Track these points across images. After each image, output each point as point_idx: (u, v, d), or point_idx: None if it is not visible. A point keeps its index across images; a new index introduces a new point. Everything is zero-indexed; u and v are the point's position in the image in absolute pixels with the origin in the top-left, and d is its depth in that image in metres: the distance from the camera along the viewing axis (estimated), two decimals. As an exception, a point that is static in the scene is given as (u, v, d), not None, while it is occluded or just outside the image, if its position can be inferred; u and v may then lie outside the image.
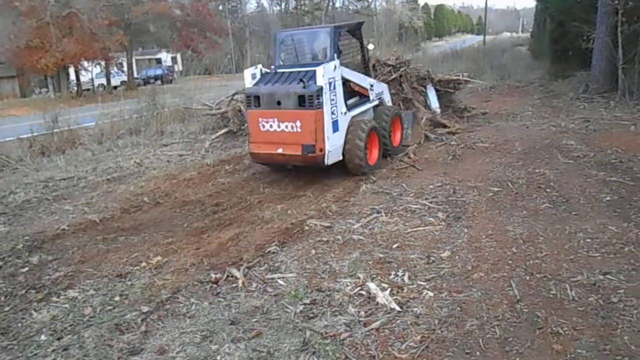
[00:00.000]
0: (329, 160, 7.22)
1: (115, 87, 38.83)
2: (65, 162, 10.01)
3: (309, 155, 7.07)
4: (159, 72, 47.00)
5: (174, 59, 56.49)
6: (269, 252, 5.06)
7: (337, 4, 66.72)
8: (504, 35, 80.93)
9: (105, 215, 6.68)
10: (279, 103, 7.18)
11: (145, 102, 14.18)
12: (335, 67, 7.27)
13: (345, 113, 7.54)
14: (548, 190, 6.29)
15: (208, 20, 38.86)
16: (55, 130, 11.59)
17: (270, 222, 5.96)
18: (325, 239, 5.26)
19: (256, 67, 7.88)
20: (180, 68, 58.31)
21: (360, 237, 5.24)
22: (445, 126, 10.23)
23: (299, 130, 7.07)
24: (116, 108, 14.40)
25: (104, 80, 38.59)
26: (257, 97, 7.44)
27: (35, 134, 11.40)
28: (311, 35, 8.33)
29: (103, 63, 34.67)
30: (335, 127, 7.26)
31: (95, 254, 5.42)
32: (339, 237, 5.29)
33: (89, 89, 39.30)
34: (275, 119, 7.23)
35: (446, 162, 7.94)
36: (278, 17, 63.77)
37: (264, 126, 7.36)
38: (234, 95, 12.27)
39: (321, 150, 7.05)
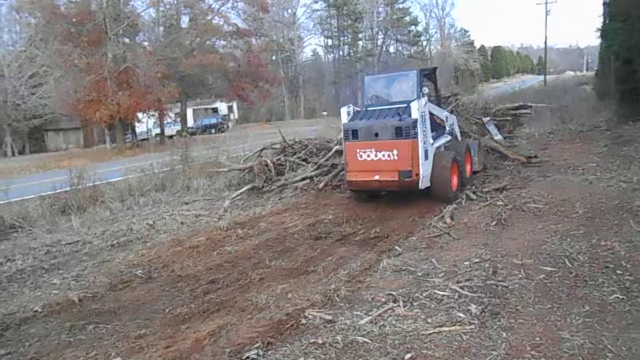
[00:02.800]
0: (422, 184, 8.09)
1: (171, 137, 39.87)
2: (80, 222, 9.51)
3: (405, 180, 7.95)
4: (213, 121, 48.13)
5: (230, 108, 57.93)
6: (248, 358, 4.00)
7: (392, 49, 66.87)
8: (568, 74, 77.74)
9: (88, 293, 5.87)
10: (376, 135, 8.14)
11: (178, 155, 13.79)
12: (425, 103, 8.37)
13: (432, 144, 8.56)
14: (618, 272, 4.89)
15: (260, 70, 39.40)
16: (80, 187, 11.27)
17: (264, 310, 4.91)
18: (321, 341, 4.13)
19: (349, 106, 8.95)
20: (236, 116, 59.86)
21: (366, 340, 4.08)
22: (507, 157, 10.66)
23: (395, 158, 7.99)
24: (148, 161, 14.12)
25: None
26: (355, 131, 8.37)
27: (58, 190, 11.11)
28: (396, 78, 9.45)
29: (157, 114, 35.51)
30: (426, 155, 8.21)
31: (54, 348, 4.57)
32: (339, 337, 4.16)
33: (146, 139, 40.59)
34: (373, 149, 8.17)
35: (489, 229, 6.64)
36: (332, 64, 64.44)
37: (361, 156, 8.27)
38: (262, 150, 11.61)
39: (417, 175, 7.96)
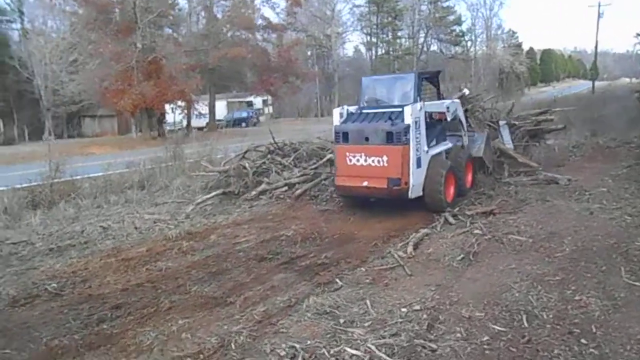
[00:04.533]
0: (412, 194, 7.62)
1: (201, 129, 39.76)
2: (40, 220, 9.01)
3: (394, 188, 7.49)
4: (244, 114, 47.80)
5: (264, 102, 57.51)
6: None
7: (433, 48, 64.74)
8: (622, 80, 73.46)
9: (-16, 308, 5.27)
10: (366, 139, 7.72)
11: (169, 151, 13.24)
12: (420, 108, 7.77)
13: (427, 151, 7.96)
14: (583, 341, 3.85)
15: (290, 65, 38.71)
16: (56, 180, 10.82)
17: (142, 355, 4.14)
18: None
19: (343, 107, 8.53)
20: (271, 111, 59.53)
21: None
22: (517, 161, 9.94)
23: (385, 164, 7.54)
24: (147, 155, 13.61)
25: (193, 122, 39.53)
26: (346, 134, 7.99)
27: (32, 183, 10.70)
28: (394, 80, 9.02)
29: (184, 105, 35.39)
30: (418, 163, 7.70)
31: None
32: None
33: (179, 129, 40.62)
34: (362, 154, 7.74)
35: (451, 265, 5.62)
36: (370, 61, 63.09)
37: (350, 160, 7.87)
38: (245, 152, 10.85)
39: (406, 183, 7.50)
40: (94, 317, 4.93)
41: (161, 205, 9.67)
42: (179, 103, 34.58)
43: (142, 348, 4.24)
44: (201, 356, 4.02)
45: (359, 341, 4.06)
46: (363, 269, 5.72)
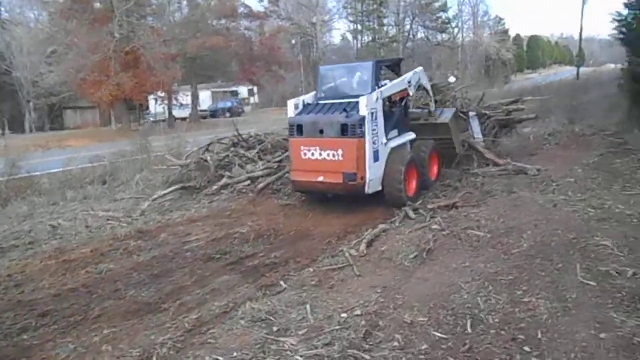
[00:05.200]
0: (369, 189, 7.27)
1: (184, 119, 39.13)
2: (-10, 218, 8.63)
3: (349, 183, 7.15)
4: (228, 104, 47.21)
5: (250, 91, 56.84)
6: None
7: (420, 35, 64.19)
8: (608, 66, 73.32)
9: None
10: (321, 132, 7.34)
11: (137, 144, 12.83)
12: (377, 99, 7.39)
13: (385, 144, 7.60)
14: (526, 349, 3.59)
15: (273, 54, 38.14)
16: (12, 177, 10.41)
17: (53, 371, 3.83)
18: None
19: (298, 99, 8.07)
20: (257, 100, 58.85)
21: None
22: (484, 156, 9.52)
23: (340, 158, 7.18)
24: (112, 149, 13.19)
25: (177, 113, 38.88)
26: (300, 126, 7.60)
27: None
28: (352, 69, 8.49)
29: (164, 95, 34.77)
30: (375, 157, 7.34)
31: None
32: None
33: (164, 120, 39.97)
34: (317, 147, 7.36)
35: (403, 264, 5.32)
36: (355, 49, 62.49)
37: (305, 154, 7.47)
38: (209, 145, 10.49)
39: (362, 178, 7.14)
40: (17, 327, 4.62)
41: (119, 201, 9.29)
42: (159, 94, 33.88)
43: (55, 363, 3.93)
44: (115, 373, 3.71)
45: (288, 352, 3.77)
46: (311, 269, 5.43)
